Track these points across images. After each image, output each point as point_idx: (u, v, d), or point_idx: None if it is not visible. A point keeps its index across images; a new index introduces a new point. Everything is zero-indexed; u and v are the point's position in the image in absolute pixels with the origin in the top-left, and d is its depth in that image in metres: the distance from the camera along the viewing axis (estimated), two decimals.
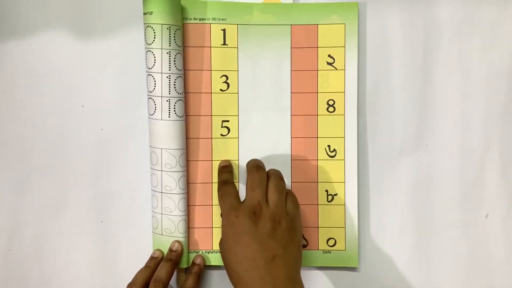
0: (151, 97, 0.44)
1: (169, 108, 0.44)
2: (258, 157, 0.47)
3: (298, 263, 0.41)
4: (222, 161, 0.47)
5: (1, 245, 0.49)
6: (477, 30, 0.48)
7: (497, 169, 0.49)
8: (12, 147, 0.49)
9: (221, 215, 0.43)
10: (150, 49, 0.44)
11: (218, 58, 0.47)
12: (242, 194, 0.45)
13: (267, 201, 0.41)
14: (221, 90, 0.47)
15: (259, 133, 0.48)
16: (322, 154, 0.48)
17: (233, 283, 0.40)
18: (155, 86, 0.44)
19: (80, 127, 0.48)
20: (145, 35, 0.44)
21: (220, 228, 0.47)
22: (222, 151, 0.48)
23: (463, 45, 0.48)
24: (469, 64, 0.48)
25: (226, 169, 0.46)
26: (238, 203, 0.42)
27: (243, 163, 0.48)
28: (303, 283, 0.40)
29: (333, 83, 0.47)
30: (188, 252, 0.47)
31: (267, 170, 0.44)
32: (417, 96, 0.48)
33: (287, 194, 0.43)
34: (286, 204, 0.42)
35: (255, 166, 0.43)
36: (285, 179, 0.47)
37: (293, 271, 0.40)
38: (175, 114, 0.44)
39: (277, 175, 0.43)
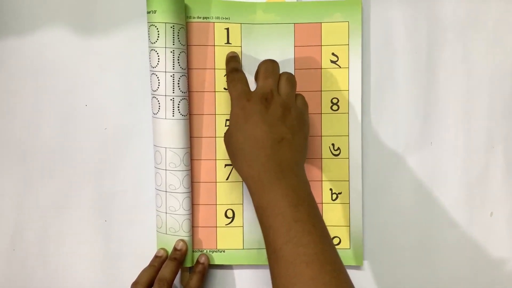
0: (155, 96, 0.44)
1: (173, 107, 0.44)
2: None
3: (304, 153, 0.42)
4: (230, 52, 0.47)
5: (4, 244, 0.49)
6: (481, 28, 0.48)
7: (502, 167, 0.48)
8: (15, 146, 0.49)
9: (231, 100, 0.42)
10: (154, 48, 0.43)
11: (221, 56, 0.47)
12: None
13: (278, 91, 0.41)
14: (224, 89, 0.47)
15: None
16: (326, 153, 0.48)
17: (236, 161, 0.40)
18: (159, 85, 0.44)
19: (83, 127, 0.48)
20: (148, 34, 0.44)
21: (224, 228, 0.47)
22: (225, 150, 0.47)
23: (467, 43, 0.48)
24: (473, 62, 0.48)
25: (234, 59, 0.46)
26: (249, 90, 0.42)
27: None
28: None
29: (337, 81, 0.47)
30: (193, 251, 0.47)
31: None
32: (421, 94, 0.48)
33: (297, 95, 0.43)
34: (296, 99, 0.42)
35: (269, 59, 0.43)
36: None
37: (298, 157, 0.40)
38: (179, 113, 0.44)
39: (289, 72, 0.43)
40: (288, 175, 0.39)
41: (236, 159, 0.40)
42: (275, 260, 0.36)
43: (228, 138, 0.41)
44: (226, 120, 0.47)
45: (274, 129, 0.39)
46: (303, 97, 0.43)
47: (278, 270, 0.36)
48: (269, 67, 0.42)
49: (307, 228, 0.36)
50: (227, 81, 0.43)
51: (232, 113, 0.41)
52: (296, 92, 0.43)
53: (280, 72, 0.43)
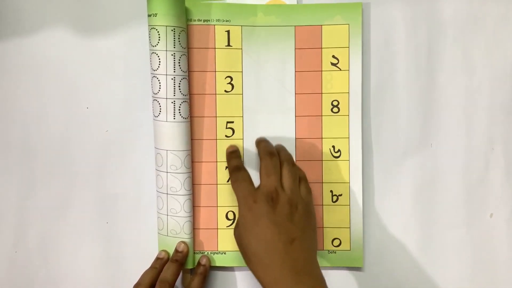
0: (156, 99, 0.44)
1: (174, 109, 0.44)
2: None
3: (315, 246, 0.42)
4: (230, 146, 0.47)
5: (6, 246, 0.49)
6: (481, 30, 0.48)
7: (502, 169, 0.49)
8: (16, 149, 0.49)
9: (237, 201, 0.42)
10: (154, 51, 0.44)
11: (222, 59, 0.47)
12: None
13: (282, 186, 0.42)
14: (225, 91, 0.47)
15: (264, 134, 0.48)
16: (326, 155, 0.48)
17: (251, 265, 0.40)
18: (160, 88, 0.44)
19: (84, 129, 0.48)
20: (149, 37, 0.44)
21: (225, 230, 0.48)
22: (226, 152, 0.48)
23: (467, 44, 0.48)
24: (473, 64, 0.48)
25: (235, 155, 0.47)
26: (254, 189, 0.42)
27: (247, 165, 0.48)
28: None
29: (337, 83, 0.48)
30: (194, 253, 0.47)
31: (276, 148, 0.45)
32: (421, 96, 0.48)
33: (300, 180, 0.43)
34: (300, 189, 0.43)
35: (268, 152, 0.43)
36: None
37: (311, 253, 0.41)
38: (180, 116, 0.44)
39: (290, 161, 0.43)
40: (304, 279, 0.39)
41: (250, 262, 0.40)
42: None
43: (240, 239, 0.41)
44: (227, 122, 0.48)
45: (284, 230, 0.39)
46: (306, 183, 0.44)
47: None
48: (268, 164, 0.42)
49: None
50: (231, 181, 0.44)
51: (240, 214, 0.41)
52: (299, 173, 0.44)
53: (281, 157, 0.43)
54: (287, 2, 0.48)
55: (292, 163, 0.43)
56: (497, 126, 0.48)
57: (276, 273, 0.38)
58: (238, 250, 0.47)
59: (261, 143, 0.45)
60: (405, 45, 0.48)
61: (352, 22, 0.47)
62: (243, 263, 0.47)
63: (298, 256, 0.39)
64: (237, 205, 0.42)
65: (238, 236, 0.42)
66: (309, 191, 0.43)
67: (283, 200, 0.40)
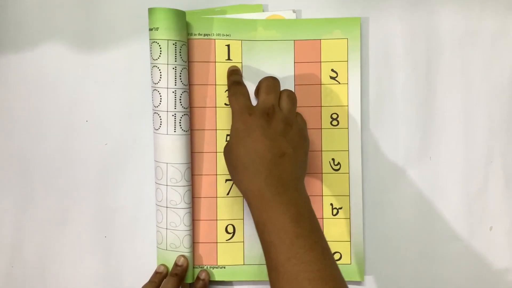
0: (156, 111, 0.44)
1: (175, 122, 0.44)
2: None
3: (304, 168, 0.42)
4: (231, 66, 0.47)
5: (3, 261, 0.48)
6: (479, 44, 0.49)
7: (501, 181, 0.49)
8: (15, 161, 0.48)
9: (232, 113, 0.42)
10: (156, 65, 0.44)
11: (222, 73, 0.48)
12: None
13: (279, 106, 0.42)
14: (225, 104, 0.48)
15: None
16: (326, 168, 0.48)
17: (237, 174, 0.40)
18: (160, 101, 0.44)
19: (84, 142, 0.48)
20: (150, 50, 0.44)
21: (225, 244, 0.47)
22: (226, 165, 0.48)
23: (465, 58, 0.49)
24: (471, 77, 0.49)
25: (236, 72, 0.46)
26: (251, 103, 0.42)
27: None
28: None
29: (336, 97, 0.48)
30: (193, 267, 0.47)
31: None
32: (420, 109, 0.49)
33: (296, 113, 0.43)
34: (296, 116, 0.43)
35: (270, 76, 0.44)
36: None
37: (299, 172, 0.41)
38: (181, 129, 0.45)
39: (290, 90, 0.43)
40: (289, 190, 0.39)
41: (236, 173, 0.40)
42: (276, 276, 0.36)
43: (228, 151, 0.41)
44: (227, 135, 0.48)
45: (276, 144, 0.39)
46: (301, 115, 0.44)
47: (280, 286, 0.36)
48: (270, 83, 0.43)
49: (309, 244, 0.36)
50: (229, 94, 0.44)
51: (233, 127, 0.41)
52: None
53: (281, 90, 0.43)
54: (286, 17, 0.48)
55: (292, 91, 0.43)
56: (495, 139, 0.49)
57: (261, 182, 0.38)
58: (238, 264, 0.47)
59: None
60: (404, 59, 0.49)
61: (350, 36, 0.48)
62: (242, 278, 0.47)
63: (286, 170, 0.39)
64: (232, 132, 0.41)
65: (228, 149, 0.41)
66: (304, 121, 0.43)
67: (278, 117, 0.40)
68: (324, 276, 0.35)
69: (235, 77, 0.45)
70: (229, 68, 0.47)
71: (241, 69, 0.48)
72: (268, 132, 0.40)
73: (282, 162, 0.39)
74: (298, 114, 0.43)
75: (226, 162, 0.42)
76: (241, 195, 0.47)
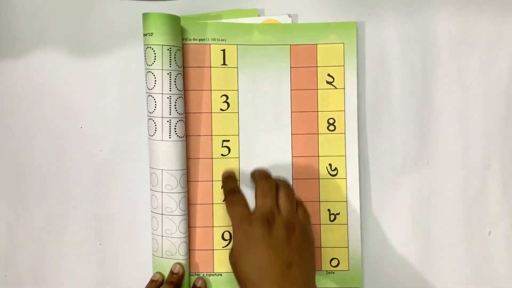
0: (151, 118, 0.44)
1: (170, 128, 0.44)
2: None
3: (313, 270, 0.40)
4: (225, 171, 0.47)
5: None
6: (475, 47, 0.49)
7: (499, 185, 0.48)
8: (8, 168, 0.48)
9: (231, 225, 0.41)
10: (150, 70, 0.43)
11: (218, 78, 0.47)
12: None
13: (278, 208, 0.41)
14: (221, 109, 0.47)
15: (260, 152, 0.47)
16: (323, 173, 0.47)
17: None
18: (155, 107, 0.44)
19: (78, 149, 0.48)
20: (145, 56, 0.44)
21: (221, 251, 0.47)
22: (222, 172, 0.47)
23: (461, 62, 0.49)
24: (467, 81, 0.49)
25: (231, 179, 0.46)
26: (249, 212, 0.41)
27: (244, 184, 0.47)
28: None
29: (333, 102, 0.48)
30: (189, 274, 0.46)
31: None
32: (417, 114, 0.49)
33: (298, 204, 0.42)
34: (297, 211, 0.42)
35: (263, 175, 0.43)
36: None
37: (309, 277, 0.39)
38: (176, 135, 0.44)
39: (286, 184, 0.43)
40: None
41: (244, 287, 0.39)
42: None
43: (234, 265, 0.40)
44: (223, 141, 0.47)
45: (281, 254, 0.38)
46: (303, 206, 0.43)
47: None
48: (264, 186, 0.42)
49: None
50: (226, 203, 0.43)
51: (235, 239, 0.40)
52: (296, 198, 0.43)
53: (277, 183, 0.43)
54: (282, 22, 0.48)
55: (289, 186, 0.42)
56: (493, 143, 0.49)
57: None
58: None
59: (256, 171, 0.45)
60: (400, 63, 0.49)
61: (347, 41, 0.47)
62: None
63: (296, 280, 0.38)
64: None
65: (233, 262, 0.40)
66: (307, 214, 0.42)
67: (279, 222, 0.39)
68: None
69: (230, 185, 0.45)
70: (223, 174, 0.46)
71: (236, 75, 0.47)
72: (270, 242, 0.38)
73: (290, 272, 0.38)
74: (299, 206, 0.42)
75: (234, 273, 0.40)
76: None
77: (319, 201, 0.47)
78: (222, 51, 0.47)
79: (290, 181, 0.47)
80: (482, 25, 0.49)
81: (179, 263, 0.45)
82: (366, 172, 0.48)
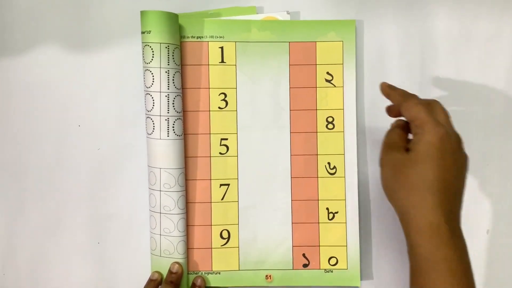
0: (149, 116, 0.44)
1: (168, 127, 0.43)
2: (257, 175, 0.47)
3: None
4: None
5: None
6: (473, 46, 0.49)
7: (497, 184, 0.48)
8: (6, 167, 0.48)
9: None
10: (148, 68, 0.43)
11: (216, 76, 0.47)
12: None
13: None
14: (219, 108, 0.47)
15: (259, 151, 0.47)
16: (322, 172, 0.47)
17: (411, 198, 0.36)
18: (153, 105, 0.43)
19: (76, 147, 0.48)
20: (143, 54, 0.43)
21: (219, 249, 0.47)
22: (221, 170, 0.47)
23: (459, 60, 0.49)
24: (466, 79, 0.49)
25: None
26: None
27: (242, 181, 0.47)
28: None
29: (332, 100, 0.47)
30: (188, 273, 0.46)
31: None
32: None
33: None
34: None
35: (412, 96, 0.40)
36: (285, 197, 0.46)
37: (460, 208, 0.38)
38: (174, 133, 0.44)
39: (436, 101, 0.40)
40: (460, 230, 0.37)
41: (414, 195, 0.36)
42: None
43: (414, 167, 0.36)
44: (221, 139, 0.47)
45: (462, 178, 0.37)
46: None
47: None
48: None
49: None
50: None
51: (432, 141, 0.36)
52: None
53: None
54: (280, 18, 0.48)
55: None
56: (491, 142, 0.48)
57: (441, 216, 0.35)
58: (233, 269, 0.46)
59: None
60: (399, 62, 0.48)
61: (346, 39, 0.47)
62: (238, 283, 0.47)
63: (459, 208, 0.37)
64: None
65: (414, 164, 0.36)
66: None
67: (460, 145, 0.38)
68: None
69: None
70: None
71: (234, 73, 0.47)
72: (460, 162, 0.37)
73: (460, 199, 0.37)
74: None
75: (397, 176, 0.37)
76: (236, 200, 0.47)
77: (318, 200, 0.47)
78: (220, 49, 0.47)
79: (289, 180, 0.47)
80: (481, 24, 0.48)
81: (177, 263, 0.45)
82: (365, 170, 0.48)
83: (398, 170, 0.37)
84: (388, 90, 0.41)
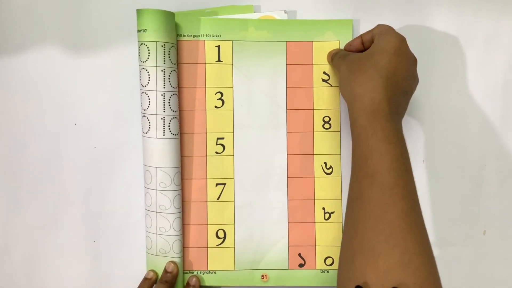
0: (145, 115, 0.44)
1: (164, 126, 0.43)
2: (253, 175, 0.47)
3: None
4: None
5: None
6: (472, 46, 0.48)
7: (494, 185, 0.48)
8: (2, 165, 0.48)
9: None
10: (144, 67, 0.43)
11: (212, 74, 0.47)
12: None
13: None
14: (215, 107, 0.47)
15: (255, 150, 0.47)
16: (318, 171, 0.47)
17: (357, 78, 0.40)
18: (149, 104, 0.43)
19: (72, 145, 0.47)
20: (139, 52, 0.43)
21: (215, 248, 0.47)
22: (217, 169, 0.47)
23: (457, 61, 0.48)
24: (464, 79, 0.48)
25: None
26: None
27: (238, 181, 0.47)
28: None
29: (328, 99, 0.47)
30: (183, 272, 0.46)
31: None
32: (412, 112, 0.48)
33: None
34: None
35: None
36: (281, 197, 0.46)
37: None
38: (170, 132, 0.44)
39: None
40: (400, 122, 0.40)
41: (360, 75, 0.39)
42: (370, 183, 0.36)
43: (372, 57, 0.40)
44: (218, 138, 0.47)
45: (414, 74, 0.42)
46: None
47: (371, 193, 0.36)
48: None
49: (408, 166, 0.37)
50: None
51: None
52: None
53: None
54: (277, 17, 0.47)
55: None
56: (489, 143, 0.48)
57: (383, 95, 0.38)
58: (229, 269, 0.46)
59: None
60: None
61: (343, 38, 0.47)
62: (233, 283, 0.47)
63: (405, 98, 0.41)
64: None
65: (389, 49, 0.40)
66: None
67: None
68: (415, 198, 0.37)
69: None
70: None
71: (231, 71, 0.47)
72: (411, 72, 0.41)
73: (404, 100, 0.41)
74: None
75: (353, 69, 0.41)
76: (232, 200, 0.47)
77: (314, 200, 0.47)
78: (217, 48, 0.47)
79: (285, 179, 0.47)
80: (479, 24, 0.48)
81: (173, 262, 0.45)
82: None
83: (354, 63, 0.41)
84: (347, 46, 0.46)
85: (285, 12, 0.47)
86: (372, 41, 0.43)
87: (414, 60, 0.42)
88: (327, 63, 0.47)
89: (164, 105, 0.43)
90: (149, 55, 0.43)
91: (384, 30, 0.42)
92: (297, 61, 0.47)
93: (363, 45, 0.44)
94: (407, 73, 0.40)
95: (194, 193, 0.47)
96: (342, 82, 0.42)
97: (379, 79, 0.38)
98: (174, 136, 0.44)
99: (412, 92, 0.42)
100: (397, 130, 0.38)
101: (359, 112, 0.39)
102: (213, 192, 0.47)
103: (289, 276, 0.47)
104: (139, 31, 0.43)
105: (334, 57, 0.45)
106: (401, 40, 0.40)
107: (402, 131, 0.39)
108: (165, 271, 0.45)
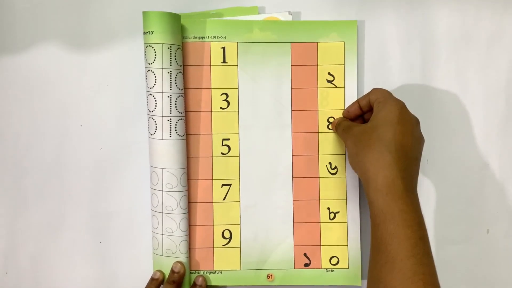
0: (151, 116, 0.44)
1: (170, 127, 0.44)
2: (259, 175, 0.47)
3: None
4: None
5: None
6: (474, 46, 0.49)
7: (497, 184, 0.49)
8: (8, 166, 0.48)
9: None
10: (150, 69, 0.43)
11: (218, 76, 0.47)
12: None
13: None
14: (221, 108, 0.47)
15: (260, 151, 0.47)
16: (323, 172, 0.48)
17: (367, 155, 0.39)
18: (156, 106, 0.43)
19: (78, 147, 0.48)
20: (145, 54, 0.43)
21: (221, 249, 0.47)
22: (222, 170, 0.47)
23: (460, 60, 0.49)
24: (467, 79, 0.49)
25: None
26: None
27: (244, 182, 0.47)
28: None
29: (333, 100, 0.48)
30: (190, 272, 0.47)
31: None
32: (416, 112, 0.48)
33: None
34: None
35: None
36: (286, 197, 0.47)
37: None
38: (176, 134, 0.44)
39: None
40: (415, 191, 0.40)
41: (369, 152, 0.39)
42: (390, 269, 0.36)
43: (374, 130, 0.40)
44: (223, 139, 0.47)
45: (421, 145, 0.42)
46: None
47: (392, 280, 0.36)
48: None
49: (427, 248, 0.37)
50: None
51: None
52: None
53: None
54: (282, 19, 0.48)
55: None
56: (492, 142, 0.49)
57: (400, 173, 0.38)
58: (235, 269, 0.47)
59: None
60: (400, 62, 0.48)
61: (347, 40, 0.47)
62: (239, 283, 0.47)
63: (416, 170, 0.41)
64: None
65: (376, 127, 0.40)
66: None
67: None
68: (436, 283, 0.36)
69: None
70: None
71: (236, 73, 0.47)
72: (417, 135, 0.41)
73: (415, 166, 0.40)
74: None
75: (358, 143, 0.41)
76: (238, 200, 0.47)
77: (319, 200, 0.47)
78: (222, 49, 0.47)
79: (290, 180, 0.47)
80: (482, 23, 0.49)
81: (180, 262, 0.45)
82: None
83: (359, 138, 0.41)
84: (345, 113, 0.47)
85: (290, 13, 0.48)
86: (369, 106, 0.43)
87: (417, 122, 0.42)
88: (332, 63, 0.47)
89: (170, 106, 0.43)
90: (155, 57, 0.43)
91: (381, 97, 0.42)
92: (302, 62, 0.47)
93: (361, 110, 0.44)
94: (413, 140, 0.40)
95: (200, 193, 0.47)
96: (351, 159, 0.42)
97: (388, 154, 0.38)
98: (180, 137, 0.44)
99: (421, 154, 0.42)
100: (414, 207, 0.38)
101: (374, 195, 0.38)
102: (219, 192, 0.47)
103: (295, 276, 0.47)
104: (145, 33, 0.43)
105: (338, 129, 0.45)
106: (401, 107, 0.41)
107: (418, 203, 0.39)
108: (172, 271, 0.45)
